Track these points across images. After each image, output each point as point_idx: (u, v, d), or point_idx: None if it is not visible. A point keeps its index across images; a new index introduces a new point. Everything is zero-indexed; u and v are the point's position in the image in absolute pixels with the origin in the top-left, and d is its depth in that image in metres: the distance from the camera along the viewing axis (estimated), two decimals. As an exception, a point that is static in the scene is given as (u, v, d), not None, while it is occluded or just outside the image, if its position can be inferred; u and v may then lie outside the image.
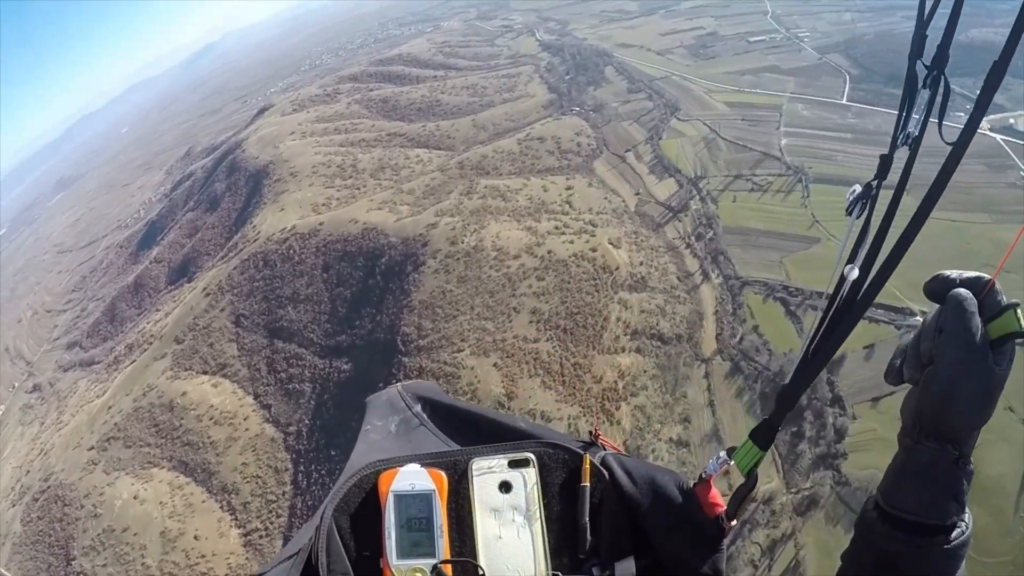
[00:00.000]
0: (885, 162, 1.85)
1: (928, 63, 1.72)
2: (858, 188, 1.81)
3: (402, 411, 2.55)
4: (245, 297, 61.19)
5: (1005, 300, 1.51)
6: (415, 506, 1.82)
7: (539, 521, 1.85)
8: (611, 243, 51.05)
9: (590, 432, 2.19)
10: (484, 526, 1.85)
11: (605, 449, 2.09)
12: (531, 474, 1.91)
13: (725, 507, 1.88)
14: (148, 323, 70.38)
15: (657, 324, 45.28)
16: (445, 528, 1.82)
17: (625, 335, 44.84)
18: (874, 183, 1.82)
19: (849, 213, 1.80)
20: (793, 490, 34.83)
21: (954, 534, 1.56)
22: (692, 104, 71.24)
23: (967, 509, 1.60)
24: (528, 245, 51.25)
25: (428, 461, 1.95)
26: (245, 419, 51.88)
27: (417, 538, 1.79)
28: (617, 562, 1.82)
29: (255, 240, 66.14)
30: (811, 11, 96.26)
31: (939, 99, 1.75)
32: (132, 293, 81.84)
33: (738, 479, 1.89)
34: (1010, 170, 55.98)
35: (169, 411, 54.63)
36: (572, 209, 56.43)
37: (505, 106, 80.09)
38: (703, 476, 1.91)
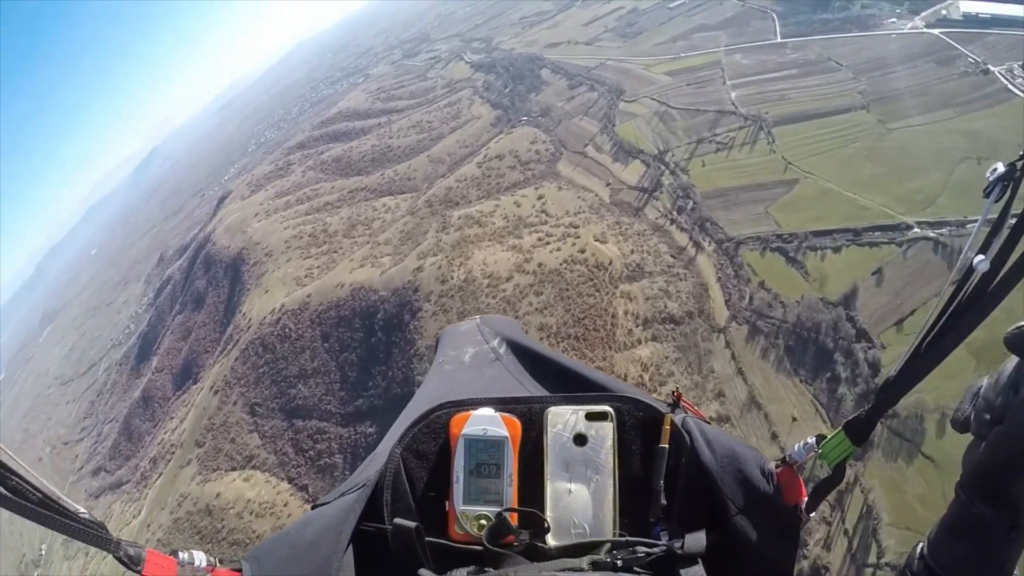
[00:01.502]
0: None
1: None
2: (1000, 167, 1.44)
3: (478, 343, 2.46)
4: (254, 385, 59.36)
5: None
6: (486, 452, 1.72)
7: (612, 479, 1.73)
8: (597, 240, 49.94)
9: (672, 393, 1.95)
10: (555, 478, 1.73)
11: (687, 413, 1.87)
12: (608, 429, 1.76)
13: (806, 497, 1.72)
14: (165, 433, 68.20)
15: (665, 307, 44.12)
16: (515, 477, 1.71)
17: (637, 327, 43.66)
18: (1019, 164, 1.44)
19: (987, 195, 1.46)
20: (844, 436, 33.62)
21: None
22: (635, 83, 69.99)
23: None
24: (517, 264, 49.99)
25: (502, 406, 1.82)
26: (285, 505, 49.89)
27: (485, 484, 1.70)
28: (688, 533, 1.65)
29: (248, 328, 64.28)
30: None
31: None
32: (142, 407, 79.18)
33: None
34: (958, 59, 55.90)
35: (208, 515, 52.50)
36: (550, 217, 55.12)
37: (455, 135, 78.71)
38: (787, 459, 1.75)
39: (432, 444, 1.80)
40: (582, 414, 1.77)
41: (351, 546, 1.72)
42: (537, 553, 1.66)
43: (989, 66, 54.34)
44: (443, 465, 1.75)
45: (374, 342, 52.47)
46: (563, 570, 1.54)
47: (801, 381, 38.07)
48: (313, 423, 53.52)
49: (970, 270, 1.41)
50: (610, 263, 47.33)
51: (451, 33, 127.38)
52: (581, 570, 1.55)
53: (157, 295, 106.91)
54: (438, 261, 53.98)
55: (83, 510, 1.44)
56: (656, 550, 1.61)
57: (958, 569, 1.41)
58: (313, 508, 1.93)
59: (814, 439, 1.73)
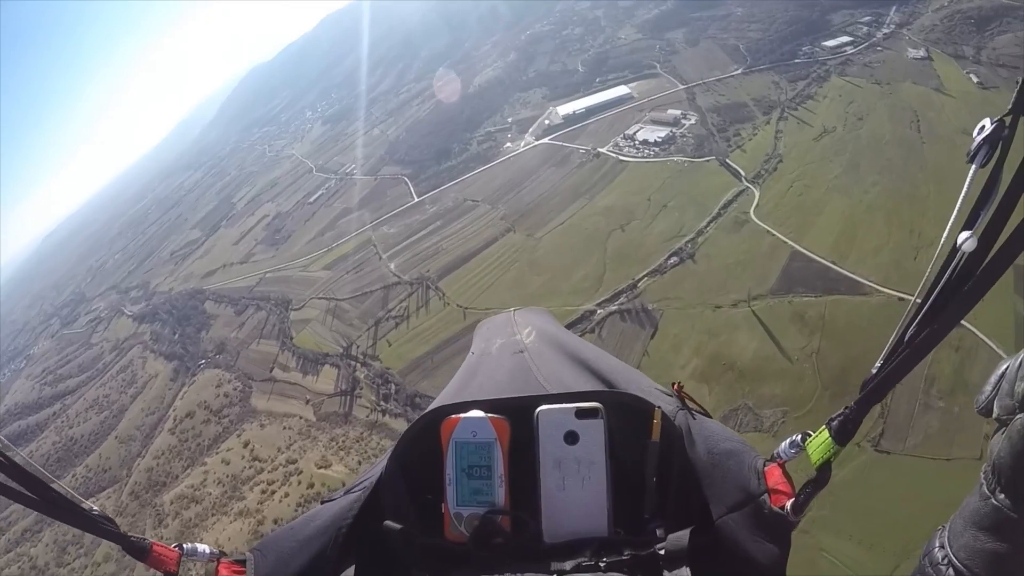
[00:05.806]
0: None
1: None
2: (987, 125, 1.23)
3: (508, 334, 2.50)
4: None
5: None
6: (476, 454, 1.70)
7: (604, 475, 1.67)
8: (320, 467, 44.76)
9: (673, 384, 1.96)
10: (547, 476, 1.69)
11: (685, 405, 1.87)
12: (598, 426, 1.70)
13: (793, 498, 1.54)
14: None
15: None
16: (506, 477, 1.68)
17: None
18: (1007, 119, 1.24)
19: (971, 160, 1.26)
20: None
21: None
22: (298, 288, 66.85)
23: None
24: (252, 531, 42.56)
25: (493, 408, 1.78)
26: None
27: (478, 486, 1.68)
28: (681, 529, 1.54)
29: None
30: (344, 146, 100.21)
31: None
32: None
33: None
34: (571, 155, 63.43)
35: None
36: (264, 462, 48.23)
37: (137, 403, 67.24)
38: (774, 456, 1.65)
39: (427, 447, 1.75)
40: (572, 412, 1.70)
41: (354, 544, 1.74)
42: (526, 553, 1.57)
43: (598, 149, 61.99)
44: (439, 467, 1.70)
45: None
46: (545, 573, 1.47)
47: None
48: None
49: (954, 250, 1.24)
50: (342, 485, 42.24)
51: (107, 287, 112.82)
52: (564, 572, 1.47)
53: None
54: (169, 565, 43.99)
55: (95, 507, 1.59)
56: (641, 552, 1.51)
57: (984, 566, 1.20)
58: (322, 504, 1.90)
59: (799, 436, 1.59)
